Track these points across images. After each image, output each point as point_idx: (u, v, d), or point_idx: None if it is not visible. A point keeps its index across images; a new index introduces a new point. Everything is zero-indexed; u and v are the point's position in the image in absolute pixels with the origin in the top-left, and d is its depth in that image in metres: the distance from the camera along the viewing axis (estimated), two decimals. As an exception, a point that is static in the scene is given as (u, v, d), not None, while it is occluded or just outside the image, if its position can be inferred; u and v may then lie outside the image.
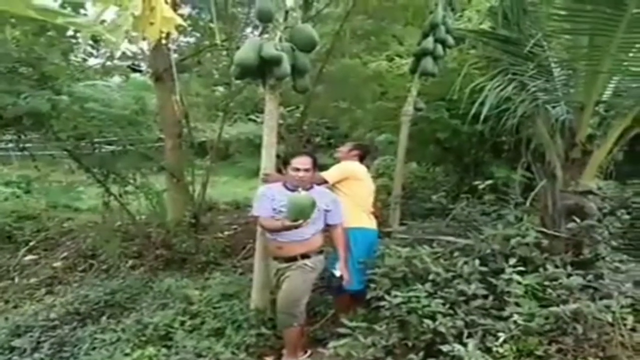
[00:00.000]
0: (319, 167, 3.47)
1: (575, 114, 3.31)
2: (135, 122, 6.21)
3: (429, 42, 4.75)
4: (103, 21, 2.17)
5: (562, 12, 3.12)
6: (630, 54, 3.08)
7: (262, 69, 3.41)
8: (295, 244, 3.23)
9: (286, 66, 3.35)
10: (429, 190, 6.67)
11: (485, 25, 4.91)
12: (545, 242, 3.07)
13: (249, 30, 7.42)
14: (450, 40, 4.80)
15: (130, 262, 5.73)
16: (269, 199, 3.29)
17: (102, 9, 2.66)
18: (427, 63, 4.79)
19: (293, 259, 3.25)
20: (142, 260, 5.72)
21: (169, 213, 6.31)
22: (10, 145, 7.83)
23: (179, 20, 2.52)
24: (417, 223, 4.36)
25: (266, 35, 3.69)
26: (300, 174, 3.23)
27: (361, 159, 3.98)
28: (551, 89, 3.42)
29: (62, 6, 6.11)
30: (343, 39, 6.72)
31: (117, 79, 8.76)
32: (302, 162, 3.25)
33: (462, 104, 3.85)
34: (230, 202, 9.08)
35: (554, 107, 3.44)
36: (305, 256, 3.24)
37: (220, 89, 8.98)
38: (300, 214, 2.99)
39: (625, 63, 3.15)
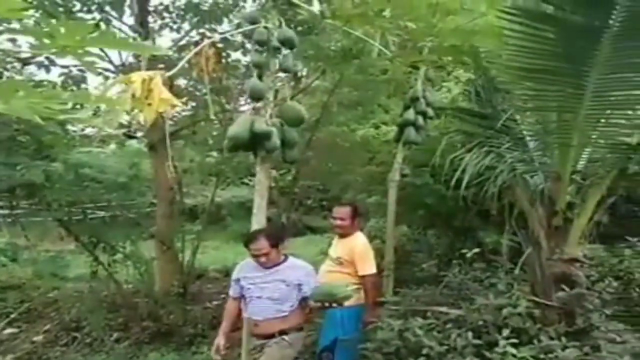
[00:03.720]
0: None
1: (552, 183, 3.40)
2: (128, 188, 6.25)
3: (410, 114, 5.01)
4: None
5: (530, 92, 3.31)
6: (598, 128, 3.25)
7: (253, 142, 3.56)
8: (272, 321, 3.21)
9: (276, 140, 3.52)
10: (422, 254, 6.67)
11: (462, 102, 5.18)
12: (537, 311, 3.06)
13: (241, 101, 7.65)
14: (431, 112, 5.06)
15: (115, 334, 5.54)
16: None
17: (106, 88, 2.75)
18: (410, 133, 5.03)
19: (271, 335, 3.22)
20: (128, 333, 5.53)
21: (157, 282, 6.21)
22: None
23: (175, 101, 2.63)
24: (410, 291, 4.33)
25: (253, 107, 3.86)
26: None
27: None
28: (528, 160, 3.57)
29: (64, 82, 6.37)
30: (331, 109, 6.97)
31: (112, 146, 8.89)
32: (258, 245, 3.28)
33: (444, 170, 3.96)
34: (220, 269, 8.95)
35: (532, 177, 3.55)
36: (283, 332, 3.21)
37: (214, 154, 9.15)
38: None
39: (594, 136, 3.31)
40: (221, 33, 6.19)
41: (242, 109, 7.51)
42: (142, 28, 6.38)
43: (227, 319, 3.40)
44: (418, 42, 4.53)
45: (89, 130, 7.39)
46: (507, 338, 2.81)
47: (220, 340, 3.26)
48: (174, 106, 2.59)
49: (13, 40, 5.87)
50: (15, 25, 1.34)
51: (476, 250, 3.81)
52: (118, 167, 6.23)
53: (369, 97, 7.00)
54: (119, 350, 5.12)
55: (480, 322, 3.07)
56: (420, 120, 5.02)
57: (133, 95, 2.46)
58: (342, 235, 3.91)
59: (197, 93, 7.39)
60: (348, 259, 3.74)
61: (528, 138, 3.67)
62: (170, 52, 6.07)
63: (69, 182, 5.39)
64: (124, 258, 5.88)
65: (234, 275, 3.46)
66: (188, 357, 4.39)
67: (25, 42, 5.96)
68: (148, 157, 6.93)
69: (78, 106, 1.62)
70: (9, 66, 6.18)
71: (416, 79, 5.08)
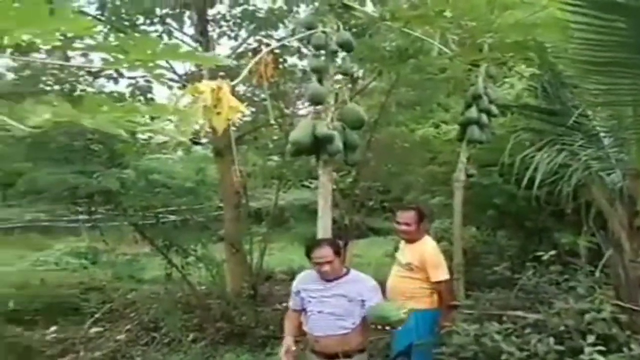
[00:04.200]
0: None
1: (631, 181, 3.18)
2: (196, 193, 6.50)
3: (473, 112, 4.79)
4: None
5: (601, 87, 3.11)
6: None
7: (315, 146, 3.59)
8: (333, 337, 3.01)
9: (338, 143, 3.54)
10: (492, 255, 6.46)
11: (527, 98, 4.95)
12: (623, 317, 2.88)
13: (299, 105, 7.75)
14: (494, 109, 4.83)
15: (192, 335, 5.77)
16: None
17: (177, 99, 2.86)
18: (474, 131, 4.82)
19: (333, 356, 3.01)
20: (203, 334, 5.74)
21: (228, 284, 6.41)
22: (80, 217, 8.31)
23: (242, 108, 2.69)
24: (483, 294, 4.20)
25: (313, 111, 3.91)
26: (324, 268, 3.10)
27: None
28: (604, 157, 3.36)
29: (132, 93, 6.73)
30: (389, 109, 6.91)
31: (179, 152, 9.29)
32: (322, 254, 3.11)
33: (514, 169, 3.81)
34: (286, 271, 9.10)
35: (608, 175, 3.34)
36: (346, 355, 2.99)
37: (275, 157, 9.35)
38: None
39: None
40: (279, 40, 6.30)
41: (300, 113, 7.63)
42: (203, 37, 6.58)
43: (288, 331, 3.21)
44: (477, 39, 4.40)
45: (158, 138, 7.78)
46: (594, 345, 2.66)
47: (288, 341, 3.12)
48: (241, 113, 2.67)
49: (85, 55, 6.26)
50: (90, 41, 1.41)
51: (552, 252, 3.64)
52: (185, 173, 6.51)
53: (427, 96, 6.89)
54: (196, 350, 5.31)
55: (562, 328, 2.93)
56: (484, 118, 4.80)
57: (203, 105, 2.55)
58: (410, 240, 3.83)
59: (256, 99, 7.57)
60: (419, 265, 3.65)
61: (602, 134, 3.46)
62: (232, 62, 6.26)
63: (141, 188, 5.69)
64: (195, 260, 6.11)
65: (294, 287, 3.29)
66: (262, 358, 4.49)
67: (97, 57, 6.38)
68: (213, 162, 7.16)
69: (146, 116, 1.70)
70: (81, 79, 6.60)
71: (477, 76, 4.88)
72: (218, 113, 2.60)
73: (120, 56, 1.40)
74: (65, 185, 4.64)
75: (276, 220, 8.37)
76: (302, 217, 12.51)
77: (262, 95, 7.33)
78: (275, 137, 8.02)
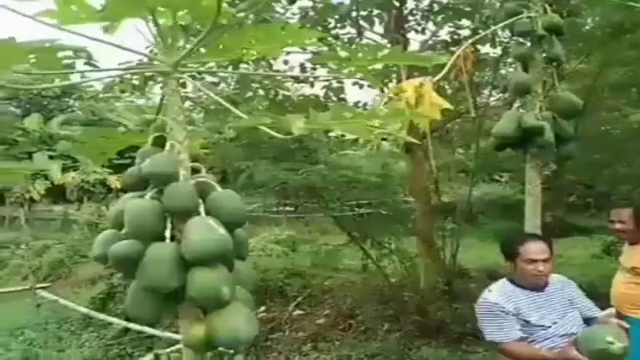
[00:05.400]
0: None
1: None
2: (384, 187, 6.70)
3: None
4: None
5: None
6: None
7: (522, 139, 3.40)
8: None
9: (549, 135, 3.29)
10: None
11: None
12: None
13: (492, 95, 7.39)
14: None
15: (386, 325, 5.98)
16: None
17: (381, 100, 2.99)
18: None
19: None
20: (398, 325, 5.91)
21: (421, 278, 6.47)
22: (285, 209, 9.16)
23: (447, 105, 2.69)
24: None
25: (516, 105, 3.70)
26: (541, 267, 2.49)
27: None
28: None
29: (326, 94, 7.21)
30: (598, 93, 6.20)
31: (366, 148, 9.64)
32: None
33: None
34: (478, 268, 8.81)
35: None
36: None
37: (460, 150, 9.11)
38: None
39: None
40: (473, 29, 6.10)
41: (493, 104, 7.29)
42: (398, 34, 6.69)
43: (539, 352, 2.41)
44: None
45: (350, 136, 8.18)
46: None
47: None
48: (444, 110, 2.65)
49: (286, 62, 6.90)
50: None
51: None
52: (371, 168, 6.75)
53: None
54: (391, 340, 5.50)
55: None
56: None
57: (407, 104, 2.61)
58: (631, 242, 3.43)
59: (449, 91, 7.44)
60: None
61: None
62: (447, 58, 6.24)
63: (340, 184, 6.07)
64: (390, 253, 6.30)
65: (504, 305, 2.49)
66: (460, 355, 4.46)
67: (296, 62, 6.99)
68: (399, 157, 7.25)
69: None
70: (282, 85, 7.26)
71: None
72: (420, 111, 2.64)
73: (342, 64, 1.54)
74: (277, 181, 5.21)
75: (465, 216, 8.19)
76: (492, 213, 11.98)
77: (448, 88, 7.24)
78: (467, 130, 7.80)
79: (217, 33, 1.14)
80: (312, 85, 7.37)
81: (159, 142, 1.28)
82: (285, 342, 6.28)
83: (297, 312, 7.38)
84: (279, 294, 8.09)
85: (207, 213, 1.18)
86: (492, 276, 8.33)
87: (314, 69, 6.63)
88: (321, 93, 7.17)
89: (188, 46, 1.22)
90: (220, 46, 1.36)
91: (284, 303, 7.73)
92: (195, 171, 1.28)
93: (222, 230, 1.14)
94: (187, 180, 1.22)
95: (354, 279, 7.51)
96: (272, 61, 6.43)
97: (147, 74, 5.31)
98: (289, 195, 6.19)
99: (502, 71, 6.94)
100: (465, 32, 6.51)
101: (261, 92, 6.94)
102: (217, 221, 1.16)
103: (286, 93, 7.25)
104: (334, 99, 7.21)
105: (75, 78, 1.50)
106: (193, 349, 1.19)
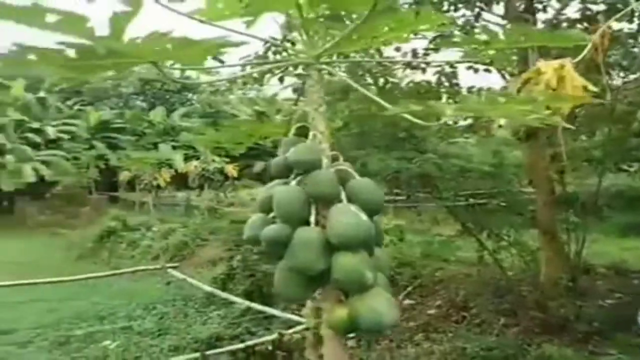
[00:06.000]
0: None
1: None
2: (495, 176, 6.38)
3: None
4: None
5: None
6: None
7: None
8: None
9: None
10: None
11: None
12: None
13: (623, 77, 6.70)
14: None
15: (503, 319, 5.74)
16: None
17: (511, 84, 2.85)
18: None
19: None
20: (515, 320, 5.65)
21: (541, 272, 6.11)
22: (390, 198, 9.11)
23: (590, 87, 2.48)
24: None
25: None
26: None
27: None
28: None
29: (438, 80, 7.02)
30: None
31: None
32: None
33: None
34: (606, 265, 8.12)
35: None
36: None
37: (582, 137, 8.38)
38: None
39: None
40: (610, 4, 5.56)
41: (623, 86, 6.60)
42: (523, 13, 6.30)
43: None
44: None
45: (462, 123, 7.89)
46: None
47: None
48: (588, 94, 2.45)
49: (398, 49, 6.78)
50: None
51: None
52: (482, 157, 6.43)
53: None
54: (509, 335, 5.27)
55: None
56: None
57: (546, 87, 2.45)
58: None
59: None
60: None
61: None
62: (588, 37, 5.80)
63: (453, 172, 5.89)
64: (508, 245, 6.02)
65: None
66: (587, 356, 4.15)
67: (408, 49, 6.86)
68: (514, 145, 6.86)
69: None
70: (392, 72, 7.16)
71: None
72: (560, 94, 2.46)
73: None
74: (390, 170, 5.19)
75: (589, 208, 7.54)
76: (618, 206, 10.92)
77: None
78: (595, 115, 7.16)
79: (372, 20, 1.16)
80: (423, 71, 7.22)
81: (301, 132, 1.34)
82: (397, 330, 6.28)
83: (408, 301, 7.34)
84: (390, 282, 8.05)
85: (347, 200, 1.22)
86: (621, 273, 7.68)
87: (427, 54, 6.47)
88: (433, 79, 7.01)
89: (329, 38, 1.26)
90: (354, 36, 1.38)
91: (394, 292, 7.67)
92: (333, 159, 1.33)
93: (365, 217, 1.17)
94: (329, 168, 1.27)
95: (467, 271, 7.28)
96: (382, 48, 6.38)
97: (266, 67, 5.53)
98: (401, 185, 6.13)
99: (635, 49, 6.27)
100: (598, 8, 5.95)
101: (369, 79, 6.93)
102: (358, 208, 1.20)
103: (394, 80, 7.18)
104: (446, 84, 7.02)
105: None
106: (335, 330, 1.24)
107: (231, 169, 15.12)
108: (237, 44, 0.97)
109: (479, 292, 6.21)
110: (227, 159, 13.47)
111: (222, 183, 17.10)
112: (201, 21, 1.23)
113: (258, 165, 22.37)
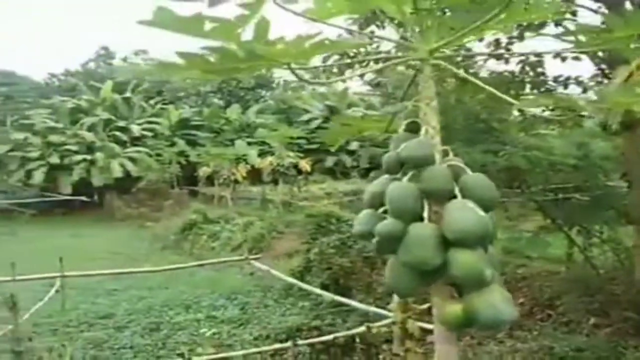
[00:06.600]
0: None
1: None
2: (584, 170, 6.01)
3: None
4: None
5: None
6: None
7: None
8: None
9: None
10: None
11: None
12: None
13: None
14: None
15: (593, 319, 5.45)
16: None
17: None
18: None
19: None
20: (607, 320, 5.34)
21: (637, 270, 5.71)
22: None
23: None
24: None
25: None
26: None
27: None
28: None
29: (522, 70, 6.73)
30: None
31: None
32: None
33: None
34: None
35: None
36: None
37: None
38: None
39: None
40: None
41: None
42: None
43: None
44: None
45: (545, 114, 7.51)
46: None
47: None
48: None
49: (481, 39, 6.54)
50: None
51: None
52: (565, 149, 6.08)
53: None
54: (600, 336, 5.00)
55: None
56: None
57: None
58: None
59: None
60: None
61: None
62: None
63: (543, 166, 5.62)
64: (600, 242, 5.68)
65: None
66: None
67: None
68: (601, 136, 6.44)
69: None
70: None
71: None
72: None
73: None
74: (475, 164, 5.03)
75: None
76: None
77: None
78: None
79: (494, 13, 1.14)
80: (506, 61, 6.96)
81: (412, 128, 1.35)
82: (478, 327, 6.11)
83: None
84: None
85: (461, 195, 1.21)
86: None
87: (510, 43, 6.22)
88: (516, 69, 6.73)
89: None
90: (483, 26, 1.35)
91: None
92: (444, 154, 1.32)
93: (482, 213, 1.16)
94: (442, 163, 1.27)
95: (553, 269, 6.94)
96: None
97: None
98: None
99: None
100: None
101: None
102: (474, 204, 1.19)
103: (474, 71, 6.97)
104: (531, 74, 6.72)
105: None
106: (449, 326, 1.24)
107: (304, 164, 15.36)
108: (363, 45, 0.99)
109: (567, 290, 5.91)
110: (301, 155, 13.72)
111: (296, 178, 17.40)
112: (312, 19, 1.26)
113: (330, 160, 22.60)
